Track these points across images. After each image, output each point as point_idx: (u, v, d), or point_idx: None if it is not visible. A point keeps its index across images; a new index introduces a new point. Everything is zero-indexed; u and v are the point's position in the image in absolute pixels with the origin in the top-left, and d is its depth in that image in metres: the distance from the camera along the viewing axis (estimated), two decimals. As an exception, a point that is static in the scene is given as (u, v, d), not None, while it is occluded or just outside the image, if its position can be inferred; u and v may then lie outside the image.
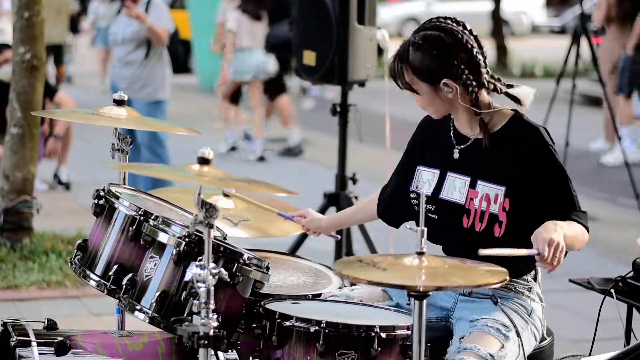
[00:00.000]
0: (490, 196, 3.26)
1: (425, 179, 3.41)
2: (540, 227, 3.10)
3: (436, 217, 3.34)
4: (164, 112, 8.12)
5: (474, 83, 3.26)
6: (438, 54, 3.23)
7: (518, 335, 3.23)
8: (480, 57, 3.26)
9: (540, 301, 3.39)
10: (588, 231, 3.31)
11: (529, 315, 3.32)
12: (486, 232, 3.27)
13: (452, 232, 3.28)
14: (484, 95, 3.30)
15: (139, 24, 7.82)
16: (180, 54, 8.92)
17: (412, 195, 3.44)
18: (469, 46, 3.25)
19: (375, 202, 3.66)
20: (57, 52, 13.87)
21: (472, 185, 3.31)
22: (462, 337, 3.21)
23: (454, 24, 3.27)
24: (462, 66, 3.23)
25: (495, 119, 3.32)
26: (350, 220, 3.99)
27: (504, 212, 3.25)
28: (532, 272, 3.38)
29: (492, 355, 3.13)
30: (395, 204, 3.56)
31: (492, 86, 3.30)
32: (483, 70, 3.27)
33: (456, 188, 3.34)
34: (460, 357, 3.13)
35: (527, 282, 3.36)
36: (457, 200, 3.33)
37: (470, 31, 3.29)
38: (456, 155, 3.37)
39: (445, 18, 3.31)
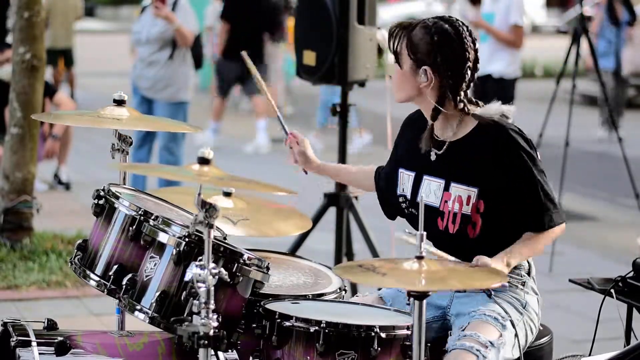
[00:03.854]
0: (462, 198, 3.29)
1: (405, 181, 3.46)
2: (492, 258, 3.19)
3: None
4: (186, 114, 8.11)
5: (452, 85, 3.30)
6: (436, 41, 3.28)
7: (513, 325, 3.25)
8: (469, 72, 3.30)
9: (535, 294, 3.41)
10: (564, 222, 3.35)
11: (524, 308, 3.34)
12: (460, 234, 3.31)
13: (429, 234, 3.26)
14: (451, 105, 3.32)
15: (165, 24, 7.80)
16: (202, 56, 8.98)
17: (401, 199, 3.49)
18: (466, 55, 3.29)
19: (370, 179, 3.71)
20: (67, 56, 13.88)
21: (446, 188, 3.34)
22: (462, 327, 3.24)
23: (467, 32, 3.32)
24: (449, 66, 3.28)
25: (467, 120, 3.34)
26: (338, 177, 4.16)
27: (478, 214, 3.28)
28: (526, 266, 3.40)
29: (492, 342, 3.16)
30: (386, 201, 3.62)
31: (461, 105, 3.33)
32: (464, 85, 3.30)
33: (432, 191, 3.38)
34: (461, 342, 3.16)
35: (521, 276, 3.38)
36: (432, 203, 3.36)
37: (476, 50, 3.34)
38: (433, 157, 3.39)
39: (463, 22, 3.37)
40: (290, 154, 3.80)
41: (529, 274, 3.41)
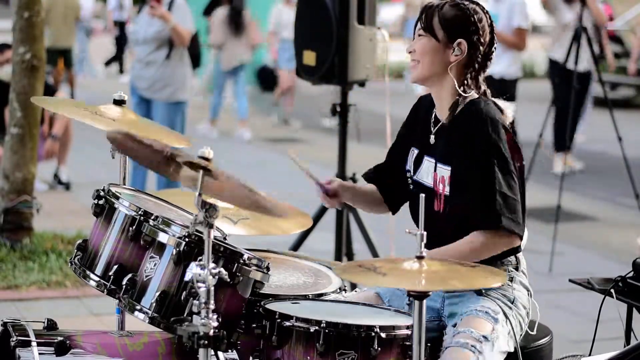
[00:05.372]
0: (445, 177, 3.33)
1: (411, 157, 3.49)
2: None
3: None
4: (184, 114, 8.10)
5: (476, 66, 3.37)
6: (470, 15, 3.35)
7: (506, 317, 3.27)
8: (492, 55, 3.41)
9: (526, 290, 3.41)
10: (518, 235, 3.26)
11: (512, 303, 3.34)
12: (447, 214, 3.32)
13: (426, 215, 3.22)
14: (470, 83, 3.36)
15: (161, 23, 7.80)
16: (200, 55, 8.99)
17: (408, 174, 3.51)
18: (492, 36, 3.41)
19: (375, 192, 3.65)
20: (67, 56, 13.91)
21: (435, 168, 3.38)
22: (455, 325, 3.25)
23: (489, 18, 3.42)
24: (481, 43, 3.36)
25: (462, 104, 3.38)
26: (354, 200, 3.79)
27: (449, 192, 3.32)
28: (514, 262, 3.39)
29: (485, 336, 3.17)
30: (394, 184, 3.57)
31: (483, 87, 3.39)
32: (486, 68, 3.39)
33: (429, 172, 3.41)
34: (455, 339, 3.17)
35: (509, 271, 3.38)
36: (427, 183, 3.39)
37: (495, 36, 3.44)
38: (432, 140, 3.43)
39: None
40: (327, 201, 3.71)
41: (517, 269, 3.41)
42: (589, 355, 3.48)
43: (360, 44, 5.53)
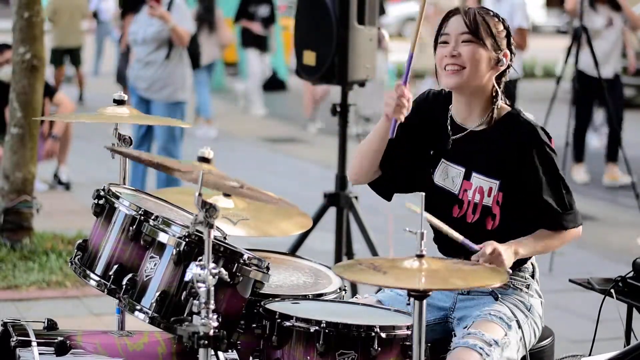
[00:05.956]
0: (484, 189, 3.30)
1: (428, 158, 3.42)
2: (502, 244, 3.19)
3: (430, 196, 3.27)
4: (184, 113, 8.11)
5: (505, 75, 3.38)
6: (507, 27, 3.36)
7: (519, 326, 3.26)
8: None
9: (539, 297, 3.42)
10: (580, 225, 3.42)
11: (529, 311, 3.35)
12: (478, 224, 3.30)
13: (442, 219, 3.21)
14: (497, 94, 3.37)
15: (161, 24, 7.79)
16: (199, 55, 9.01)
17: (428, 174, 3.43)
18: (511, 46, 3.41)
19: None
20: (74, 56, 13.93)
21: (467, 177, 3.33)
22: (466, 326, 3.24)
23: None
24: (513, 53, 3.36)
25: (494, 112, 3.37)
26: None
27: (498, 206, 3.29)
28: (530, 269, 3.40)
29: (496, 340, 3.16)
30: (395, 173, 3.44)
31: (502, 95, 3.39)
32: (508, 72, 3.39)
33: (449, 177, 3.37)
34: (465, 340, 3.16)
35: (525, 279, 3.39)
36: (449, 188, 3.35)
37: None
38: (449, 145, 3.37)
39: None
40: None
41: (532, 276, 3.41)
42: (589, 355, 3.48)
43: (360, 44, 5.53)
